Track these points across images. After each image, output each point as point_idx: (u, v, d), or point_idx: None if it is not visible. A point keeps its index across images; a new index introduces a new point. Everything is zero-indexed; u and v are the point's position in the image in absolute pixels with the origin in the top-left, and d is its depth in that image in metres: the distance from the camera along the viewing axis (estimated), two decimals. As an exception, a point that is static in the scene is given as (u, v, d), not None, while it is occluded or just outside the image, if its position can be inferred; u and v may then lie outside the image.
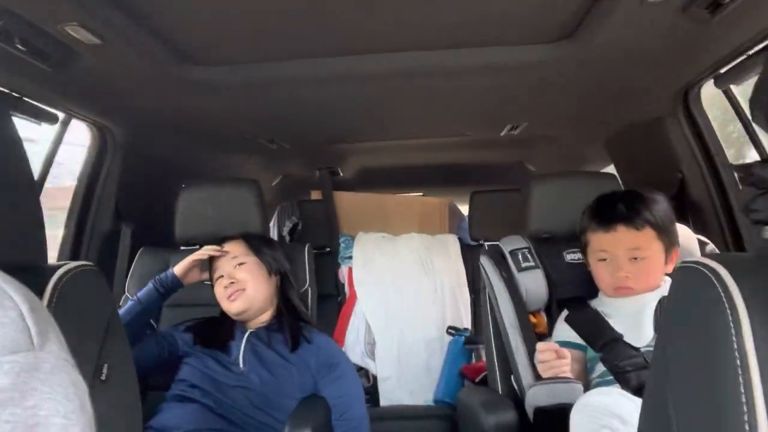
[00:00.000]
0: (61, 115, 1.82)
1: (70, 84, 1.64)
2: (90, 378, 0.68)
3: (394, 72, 1.72)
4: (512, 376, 1.55)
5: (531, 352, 1.48)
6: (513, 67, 1.69)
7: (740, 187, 1.40)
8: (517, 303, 1.60)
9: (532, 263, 1.68)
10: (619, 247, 1.49)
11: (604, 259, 1.52)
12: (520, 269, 1.67)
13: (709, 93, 1.85)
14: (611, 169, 2.65)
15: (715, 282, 0.61)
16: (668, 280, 1.49)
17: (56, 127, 1.83)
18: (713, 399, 0.58)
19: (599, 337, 1.46)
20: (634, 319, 1.45)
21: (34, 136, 1.86)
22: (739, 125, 1.76)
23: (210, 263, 1.74)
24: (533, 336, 1.56)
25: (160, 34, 1.45)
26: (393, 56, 1.64)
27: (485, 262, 1.72)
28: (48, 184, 1.88)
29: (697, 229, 1.70)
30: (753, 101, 0.64)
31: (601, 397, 1.22)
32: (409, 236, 2.86)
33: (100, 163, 2.13)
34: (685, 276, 0.66)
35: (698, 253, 1.60)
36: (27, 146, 0.76)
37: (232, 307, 1.66)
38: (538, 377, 1.42)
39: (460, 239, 2.83)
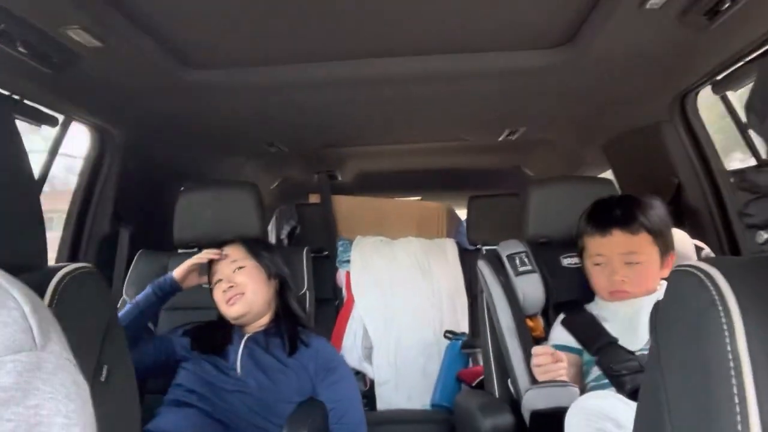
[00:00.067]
0: (60, 118, 1.82)
1: (70, 86, 1.64)
2: (90, 379, 0.68)
3: (392, 76, 1.73)
4: (509, 380, 1.56)
5: (528, 356, 1.48)
6: (511, 72, 1.70)
7: (736, 192, 1.41)
8: (515, 307, 1.61)
9: (529, 267, 1.69)
10: (614, 251, 1.50)
11: (600, 263, 1.53)
12: (518, 273, 1.68)
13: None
14: (609, 174, 2.66)
15: (709, 285, 0.61)
16: (664, 285, 1.49)
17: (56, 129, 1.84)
18: (707, 402, 0.58)
19: (595, 341, 1.47)
20: (629, 323, 1.46)
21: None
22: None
23: (209, 267, 1.74)
24: (530, 340, 1.57)
25: (161, 37, 1.46)
26: (392, 61, 1.65)
27: (483, 267, 1.73)
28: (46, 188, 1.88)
29: (693, 234, 1.71)
30: (748, 107, 0.65)
31: (596, 400, 1.23)
32: (407, 240, 2.86)
33: (99, 165, 2.13)
34: (680, 279, 0.67)
35: (694, 257, 1.61)
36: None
37: (230, 311, 1.66)
38: (534, 381, 1.43)
39: (457, 243, 2.83)
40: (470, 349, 2.40)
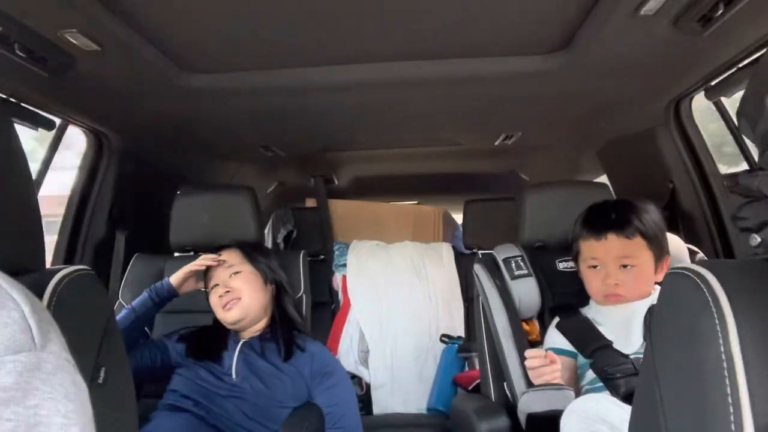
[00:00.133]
0: (57, 121, 1.82)
1: (68, 90, 1.64)
2: (87, 381, 0.68)
3: (389, 81, 1.73)
4: (505, 383, 1.56)
5: (524, 360, 1.48)
6: (507, 77, 1.71)
7: (729, 196, 1.42)
8: (510, 310, 1.61)
9: (525, 271, 1.69)
10: (609, 255, 1.51)
11: (595, 267, 1.54)
12: (514, 277, 1.69)
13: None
14: (604, 178, 2.68)
15: (703, 288, 0.62)
16: (659, 289, 1.50)
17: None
18: (701, 403, 0.59)
19: (589, 344, 1.47)
20: (623, 327, 1.47)
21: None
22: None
23: (205, 272, 1.74)
24: (526, 343, 1.57)
25: (158, 41, 1.46)
26: (388, 65, 1.65)
27: (479, 270, 1.73)
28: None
29: (687, 238, 1.72)
30: (740, 113, 0.66)
31: (591, 403, 1.24)
32: (403, 244, 2.86)
33: (96, 168, 2.13)
34: (674, 282, 0.68)
35: (688, 262, 1.61)
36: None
37: (227, 316, 1.65)
38: (530, 384, 1.43)
39: (453, 247, 2.84)
40: (466, 353, 2.40)
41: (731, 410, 0.56)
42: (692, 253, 1.65)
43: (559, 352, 1.50)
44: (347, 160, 3.11)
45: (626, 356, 1.40)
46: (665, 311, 0.69)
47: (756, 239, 0.63)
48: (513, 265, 1.71)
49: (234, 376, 1.59)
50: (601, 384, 1.41)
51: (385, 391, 2.47)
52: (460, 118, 2.25)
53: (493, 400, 1.66)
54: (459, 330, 2.55)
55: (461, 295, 2.63)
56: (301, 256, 2.07)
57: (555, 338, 1.57)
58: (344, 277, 2.70)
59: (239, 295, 1.66)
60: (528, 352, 1.42)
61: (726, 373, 0.57)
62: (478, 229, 2.76)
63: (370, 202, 3.30)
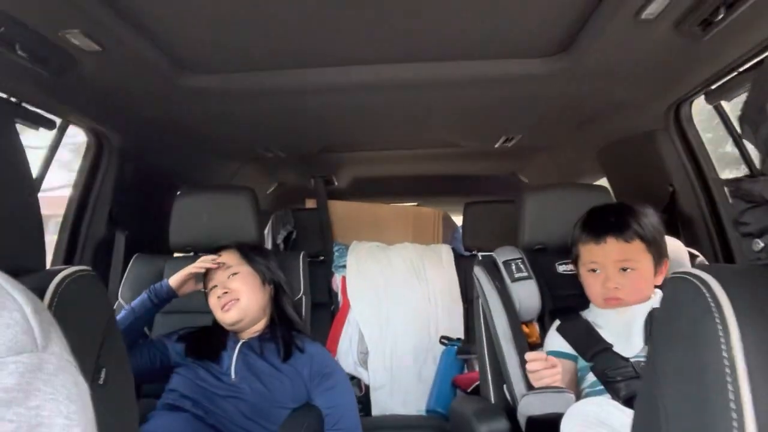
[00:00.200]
0: (58, 121, 1.82)
1: (69, 90, 1.64)
2: (88, 382, 0.68)
3: (389, 83, 1.73)
4: (505, 386, 1.56)
5: (523, 362, 1.48)
6: (508, 80, 1.71)
7: (730, 201, 1.42)
8: (510, 313, 1.61)
9: (525, 274, 1.70)
10: (608, 259, 1.51)
11: (595, 270, 1.54)
12: (514, 279, 1.69)
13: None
14: (604, 181, 2.68)
15: (705, 292, 0.62)
16: (658, 292, 1.51)
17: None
18: (703, 408, 0.59)
19: (590, 347, 1.47)
20: (624, 330, 1.47)
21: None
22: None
23: (204, 273, 1.73)
24: (526, 346, 1.57)
25: (159, 42, 1.46)
26: (389, 67, 1.66)
27: (479, 273, 1.73)
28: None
29: (687, 242, 1.72)
30: (742, 117, 0.66)
31: (591, 406, 1.23)
32: (403, 246, 2.86)
33: (96, 168, 2.13)
34: (676, 286, 0.67)
35: (688, 265, 1.61)
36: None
37: (226, 317, 1.66)
38: (530, 387, 1.43)
39: (453, 249, 2.84)
40: (466, 354, 2.40)
41: (734, 416, 0.55)
42: (692, 257, 1.65)
43: (560, 355, 1.50)
44: (347, 162, 3.11)
45: (626, 359, 1.40)
46: (667, 315, 0.69)
47: (759, 244, 0.63)
48: (513, 267, 1.71)
49: (233, 376, 1.59)
50: (601, 387, 1.40)
51: (384, 392, 2.47)
52: (460, 121, 2.25)
53: (493, 402, 1.66)
54: (458, 331, 2.55)
55: (461, 297, 2.63)
56: (301, 257, 2.08)
57: (555, 341, 1.57)
58: (344, 278, 2.70)
59: (237, 296, 1.66)
60: (528, 355, 1.42)
61: (728, 378, 0.57)
62: (477, 231, 2.76)
63: (369, 204, 3.30)
